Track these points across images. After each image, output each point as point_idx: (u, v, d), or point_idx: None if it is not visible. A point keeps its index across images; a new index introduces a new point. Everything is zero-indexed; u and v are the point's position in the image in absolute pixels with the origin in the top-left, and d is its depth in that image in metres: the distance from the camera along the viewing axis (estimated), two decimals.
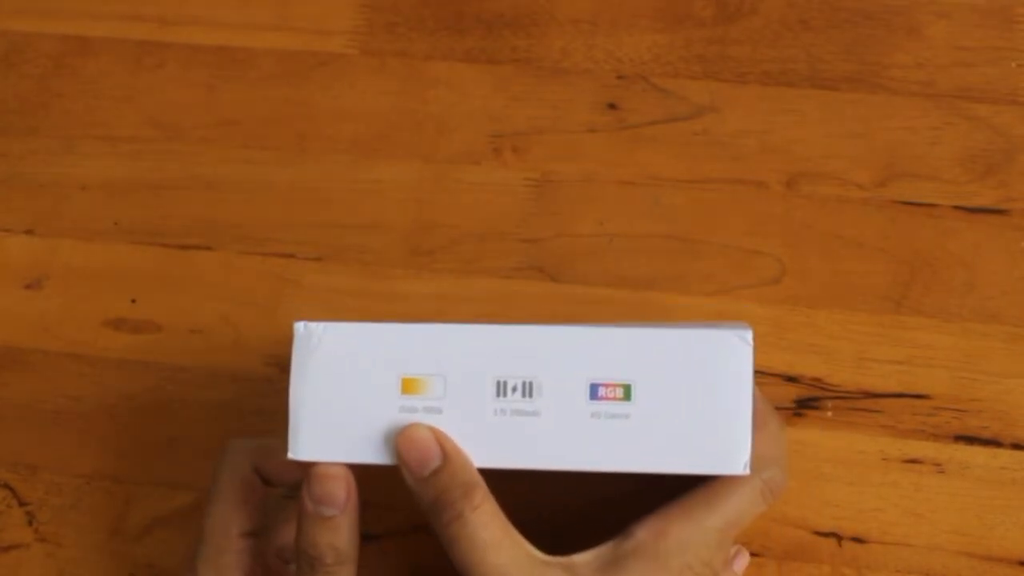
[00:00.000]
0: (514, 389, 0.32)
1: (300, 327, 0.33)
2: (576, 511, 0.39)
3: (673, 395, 0.32)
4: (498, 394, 0.32)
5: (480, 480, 0.32)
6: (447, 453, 0.32)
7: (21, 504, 0.43)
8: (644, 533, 0.32)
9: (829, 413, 0.42)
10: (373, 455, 0.32)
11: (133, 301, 0.46)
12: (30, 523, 0.43)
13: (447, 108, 0.48)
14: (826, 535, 0.40)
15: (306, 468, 0.33)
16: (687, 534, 0.32)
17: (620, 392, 0.32)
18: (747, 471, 0.32)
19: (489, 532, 0.31)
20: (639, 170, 0.46)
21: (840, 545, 0.40)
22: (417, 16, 0.50)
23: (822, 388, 0.42)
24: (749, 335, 0.32)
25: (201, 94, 0.49)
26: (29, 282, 0.47)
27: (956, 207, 0.45)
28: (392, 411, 0.32)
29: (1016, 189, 0.45)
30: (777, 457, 0.34)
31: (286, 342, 0.44)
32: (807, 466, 0.41)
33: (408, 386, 0.32)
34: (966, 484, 0.41)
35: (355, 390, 0.32)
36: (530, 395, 0.32)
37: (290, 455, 0.32)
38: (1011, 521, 0.40)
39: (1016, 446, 0.41)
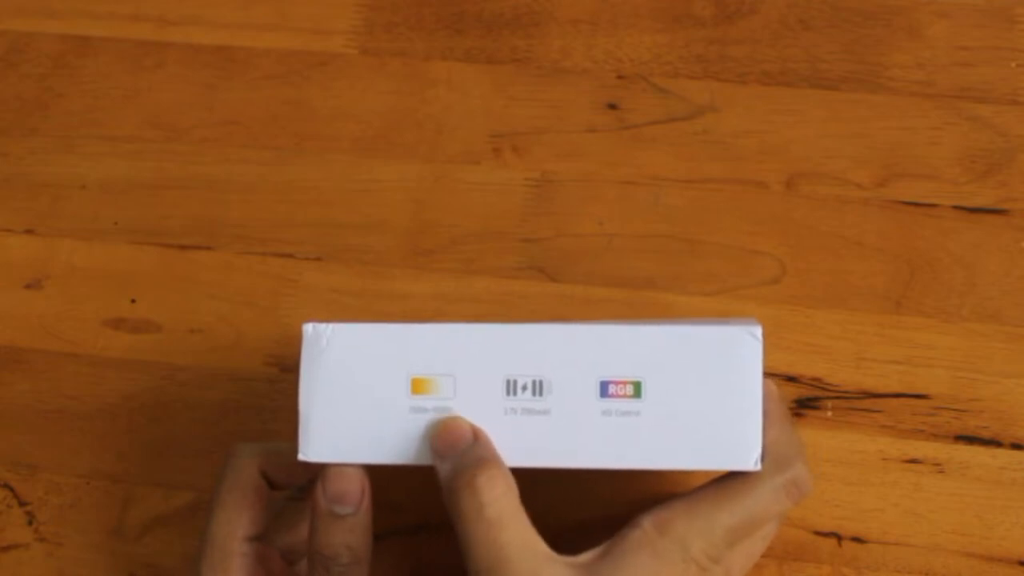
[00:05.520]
0: (524, 388, 0.32)
1: (308, 328, 0.33)
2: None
3: (683, 392, 0.32)
4: (508, 393, 0.32)
5: (501, 460, 0.32)
6: (477, 435, 0.32)
7: (21, 504, 0.43)
8: (648, 523, 0.32)
9: (829, 413, 0.42)
10: (383, 455, 0.32)
11: (133, 301, 0.46)
12: (30, 523, 0.43)
13: (447, 108, 0.48)
14: (826, 535, 0.40)
15: (317, 469, 0.33)
16: (693, 528, 0.32)
17: (630, 389, 0.32)
18: (758, 467, 0.32)
19: (498, 508, 0.31)
20: (639, 170, 0.46)
21: (840, 545, 0.40)
22: (416, 16, 0.50)
23: (822, 388, 0.42)
24: (758, 331, 0.32)
25: (201, 94, 0.49)
26: (29, 282, 0.47)
27: (956, 207, 0.45)
28: (402, 411, 0.32)
29: (1016, 189, 0.45)
30: (799, 454, 0.33)
31: (286, 342, 0.45)
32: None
33: (418, 386, 0.32)
34: (966, 484, 0.41)
35: (364, 391, 0.32)
36: (540, 394, 0.32)
37: (300, 457, 0.32)
38: (1011, 521, 0.40)
39: (1016, 446, 0.41)
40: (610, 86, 0.48)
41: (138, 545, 0.42)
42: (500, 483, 0.31)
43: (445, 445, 0.32)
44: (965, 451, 0.41)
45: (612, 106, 0.47)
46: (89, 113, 0.49)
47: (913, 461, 0.41)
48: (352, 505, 0.32)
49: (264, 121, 0.48)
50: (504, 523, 0.31)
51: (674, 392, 0.32)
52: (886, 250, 0.44)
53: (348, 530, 0.32)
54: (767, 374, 0.33)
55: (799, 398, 0.42)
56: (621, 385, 0.32)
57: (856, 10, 0.48)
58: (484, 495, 0.31)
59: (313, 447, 0.32)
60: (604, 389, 0.32)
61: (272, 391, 0.44)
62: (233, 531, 0.34)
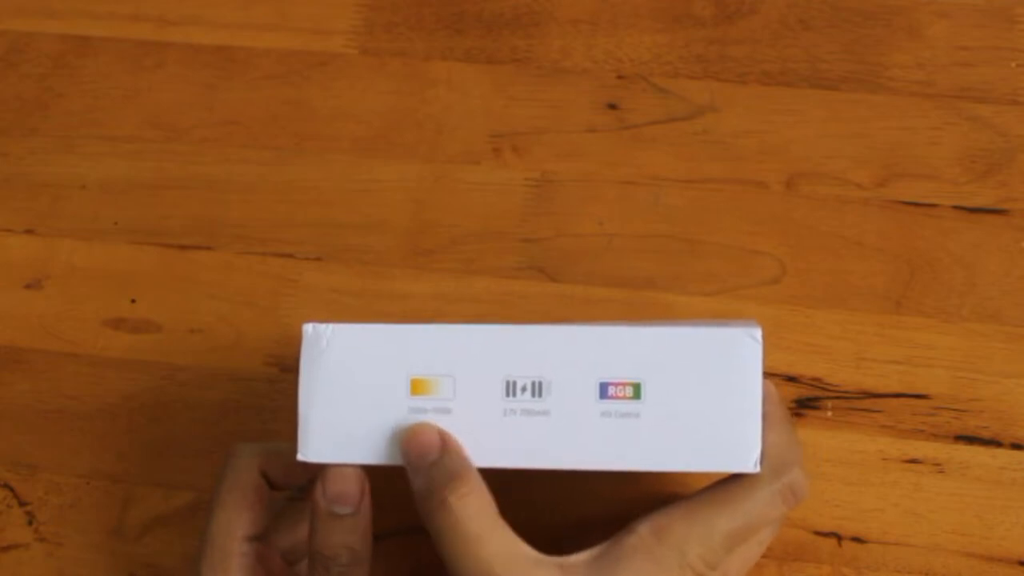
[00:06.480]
0: (523, 389, 0.32)
1: (308, 329, 0.33)
2: (584, 517, 0.39)
3: (683, 393, 0.32)
4: (507, 394, 0.32)
5: (472, 471, 0.32)
6: (446, 445, 0.32)
7: (21, 504, 0.43)
8: (645, 529, 0.32)
9: (829, 413, 0.42)
10: (382, 456, 0.32)
11: (133, 301, 0.46)
12: (30, 523, 0.43)
13: (447, 108, 0.48)
14: (826, 535, 0.40)
15: (316, 469, 0.33)
16: (690, 533, 0.32)
17: (630, 391, 0.32)
18: (758, 469, 0.32)
19: (476, 524, 0.31)
20: (639, 170, 0.46)
21: (840, 545, 0.40)
22: (416, 16, 0.50)
23: (822, 388, 0.42)
24: (758, 333, 0.32)
25: (201, 94, 0.49)
26: (29, 282, 0.47)
27: (956, 207, 0.45)
28: (401, 412, 0.32)
29: (1016, 189, 0.45)
30: (796, 460, 0.33)
31: (286, 342, 0.45)
32: (807, 466, 0.41)
33: (417, 387, 0.32)
34: (966, 484, 0.41)
35: (364, 391, 0.32)
36: (540, 395, 0.32)
37: (299, 457, 0.32)
38: (1011, 521, 0.40)
39: (1016, 446, 0.41)
40: (610, 86, 0.48)
41: (138, 545, 0.42)
42: (473, 500, 0.31)
43: (416, 454, 0.32)
44: (965, 451, 0.41)
45: (612, 106, 0.47)
46: (89, 113, 0.49)
47: (913, 461, 0.41)
48: (352, 505, 0.32)
49: (264, 121, 0.48)
50: (484, 538, 0.31)
51: (674, 393, 0.32)
52: (886, 250, 0.44)
53: (348, 530, 0.32)
54: (767, 375, 0.33)
55: (799, 398, 0.42)
56: (621, 386, 0.32)
57: (856, 10, 0.48)
58: (459, 513, 0.31)
59: (313, 447, 0.32)
60: (604, 390, 0.32)
61: (272, 391, 0.44)
62: (233, 531, 0.34)
